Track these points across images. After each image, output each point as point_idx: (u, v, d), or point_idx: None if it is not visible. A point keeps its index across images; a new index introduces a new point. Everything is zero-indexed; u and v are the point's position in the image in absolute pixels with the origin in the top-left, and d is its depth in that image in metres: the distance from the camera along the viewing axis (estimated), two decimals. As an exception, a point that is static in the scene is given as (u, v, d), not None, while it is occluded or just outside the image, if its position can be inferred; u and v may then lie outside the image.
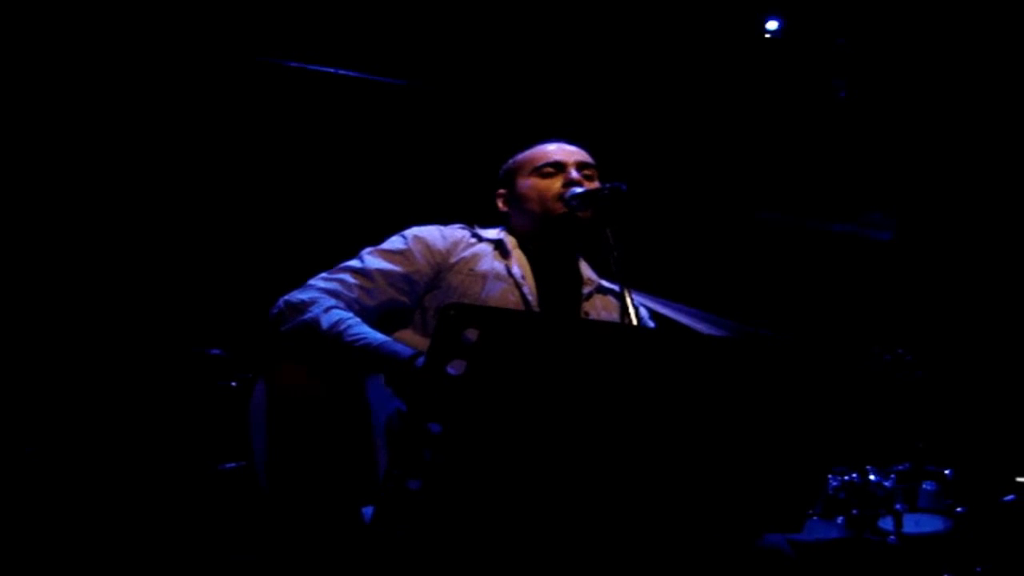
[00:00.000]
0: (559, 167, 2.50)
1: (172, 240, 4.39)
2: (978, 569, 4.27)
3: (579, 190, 2.42)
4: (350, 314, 2.18)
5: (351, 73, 4.71)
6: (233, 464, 3.42)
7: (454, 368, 1.68)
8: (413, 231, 2.44)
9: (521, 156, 2.60)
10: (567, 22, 4.83)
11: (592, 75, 5.07)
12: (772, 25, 5.12)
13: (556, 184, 2.47)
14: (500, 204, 2.61)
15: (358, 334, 2.10)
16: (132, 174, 4.37)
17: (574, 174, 2.47)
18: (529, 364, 1.56)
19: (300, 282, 2.31)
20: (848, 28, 5.10)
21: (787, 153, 5.64)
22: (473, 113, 4.88)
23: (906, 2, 4.92)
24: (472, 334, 1.54)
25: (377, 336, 2.10)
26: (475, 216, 2.62)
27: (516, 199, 2.55)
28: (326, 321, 2.13)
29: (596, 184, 2.49)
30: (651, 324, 2.61)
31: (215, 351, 3.58)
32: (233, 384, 3.51)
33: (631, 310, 2.15)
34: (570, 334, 1.64)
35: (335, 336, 2.11)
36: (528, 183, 2.52)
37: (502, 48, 4.88)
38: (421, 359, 1.96)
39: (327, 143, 4.76)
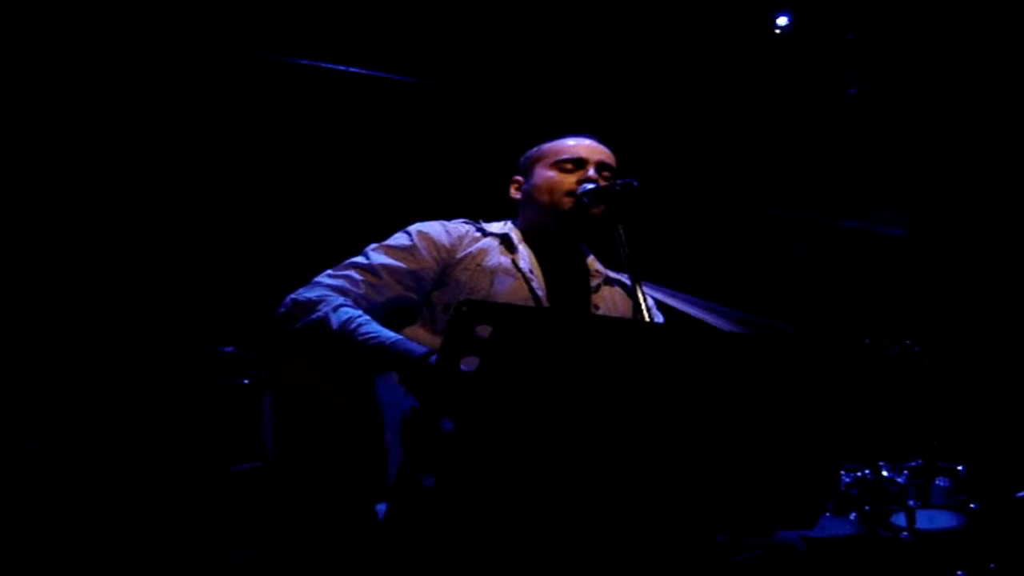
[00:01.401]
0: (579, 163, 2.49)
1: (184, 238, 4.41)
2: (992, 565, 4.25)
3: (591, 186, 2.42)
4: (360, 312, 2.17)
5: (360, 71, 4.71)
6: (247, 465, 3.42)
7: (467, 365, 1.68)
8: (417, 227, 2.43)
9: (545, 146, 2.58)
10: (577, 19, 4.82)
11: (602, 72, 5.06)
12: (782, 21, 5.10)
13: (571, 179, 2.47)
14: (513, 190, 2.60)
15: (369, 332, 2.09)
16: (144, 173, 4.38)
17: (591, 173, 2.46)
18: (543, 360, 1.57)
19: (312, 278, 2.31)
20: (858, 23, 5.09)
21: (798, 149, 5.62)
22: (482, 110, 4.88)
23: (916, -2, 4.92)
24: (484, 330, 1.54)
25: (389, 334, 2.09)
26: (484, 212, 2.62)
27: (529, 188, 2.54)
28: (336, 320, 2.12)
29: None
30: (659, 316, 2.61)
31: (228, 349, 3.58)
32: (246, 382, 3.52)
33: (643, 306, 2.15)
34: (583, 330, 1.64)
35: (346, 335, 2.09)
36: (545, 174, 2.51)
37: (512, 45, 4.87)
38: (435, 357, 1.96)
39: (338, 140, 4.76)
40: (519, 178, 2.60)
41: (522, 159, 2.63)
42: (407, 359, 2.01)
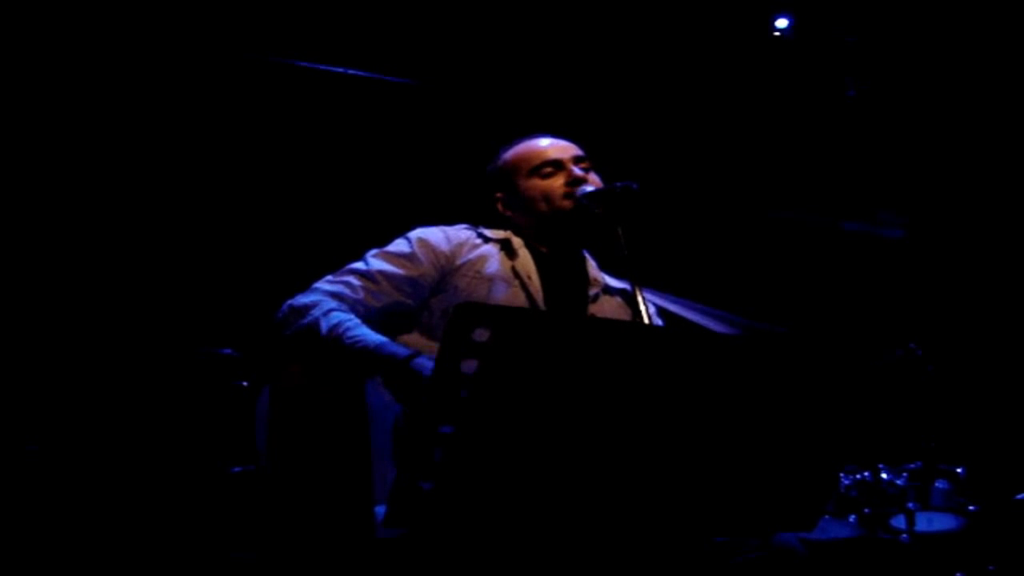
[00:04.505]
0: (558, 165, 2.49)
1: (183, 240, 4.41)
2: (991, 568, 4.25)
3: (590, 188, 2.42)
4: (350, 316, 2.18)
5: (360, 73, 4.71)
6: (240, 468, 3.42)
7: (464, 368, 1.68)
8: (417, 233, 2.43)
9: (510, 156, 2.57)
10: (577, 21, 4.83)
11: (602, 74, 5.06)
12: (782, 23, 5.11)
13: (558, 182, 2.47)
14: (500, 208, 2.59)
15: (356, 336, 2.10)
16: (143, 174, 4.39)
17: (576, 171, 2.47)
18: (541, 363, 1.56)
19: (311, 281, 2.32)
20: (858, 26, 5.09)
21: (797, 152, 5.62)
22: (481, 113, 4.88)
23: (916, 0, 4.91)
24: (482, 334, 1.54)
25: (375, 338, 2.10)
26: (482, 216, 2.61)
27: (519, 202, 2.53)
28: (326, 324, 2.14)
29: (595, 175, 2.50)
30: (659, 322, 2.61)
31: (227, 351, 3.59)
32: (245, 384, 3.52)
33: (642, 309, 2.15)
34: (582, 333, 1.64)
35: (334, 339, 2.11)
36: (530, 184, 2.50)
37: (511, 48, 4.88)
38: (418, 359, 1.97)
39: (339, 143, 4.76)
40: (500, 194, 2.59)
41: (491, 173, 2.62)
42: (391, 361, 2.02)
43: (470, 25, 4.75)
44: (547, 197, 2.47)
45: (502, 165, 2.58)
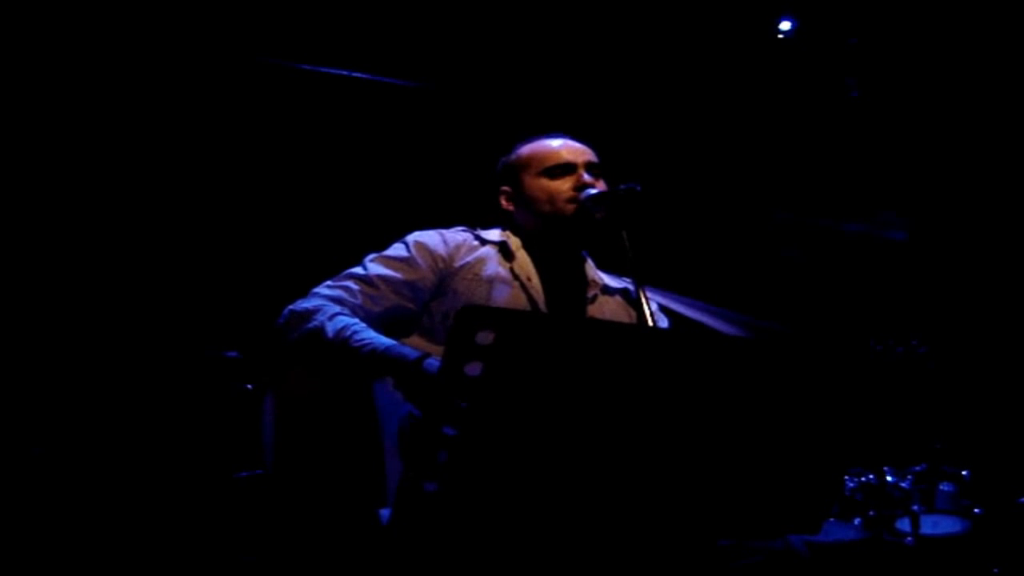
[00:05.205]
0: (569, 168, 2.48)
1: (187, 242, 4.41)
2: (996, 571, 4.25)
3: (594, 191, 2.41)
4: (355, 320, 2.18)
5: (362, 76, 4.71)
6: (247, 473, 3.42)
7: (468, 370, 1.68)
8: (415, 237, 2.42)
9: (524, 152, 2.55)
10: (581, 22, 4.83)
11: (606, 75, 5.07)
12: (785, 26, 5.12)
13: (566, 185, 2.45)
14: (503, 202, 2.57)
15: (364, 339, 2.10)
16: (148, 177, 4.39)
17: (586, 176, 2.45)
18: (545, 366, 1.56)
19: (313, 284, 2.32)
20: (861, 28, 5.10)
21: (800, 153, 5.63)
22: (484, 115, 4.87)
23: (918, 2, 4.91)
24: (485, 337, 1.54)
25: (383, 340, 2.10)
26: (483, 218, 2.61)
27: (523, 199, 2.52)
28: (331, 328, 2.13)
29: (603, 183, 2.49)
30: (662, 320, 2.60)
31: (231, 353, 3.58)
32: (249, 387, 3.51)
33: (646, 310, 2.15)
34: (586, 335, 1.64)
35: (341, 342, 2.11)
36: (537, 183, 2.49)
37: (514, 50, 4.88)
38: (429, 360, 1.97)
39: (341, 146, 4.77)
40: (506, 188, 2.58)
41: (501, 167, 2.60)
42: (401, 363, 2.02)
43: (473, 29, 4.75)
44: (551, 198, 2.46)
45: (514, 160, 2.57)
